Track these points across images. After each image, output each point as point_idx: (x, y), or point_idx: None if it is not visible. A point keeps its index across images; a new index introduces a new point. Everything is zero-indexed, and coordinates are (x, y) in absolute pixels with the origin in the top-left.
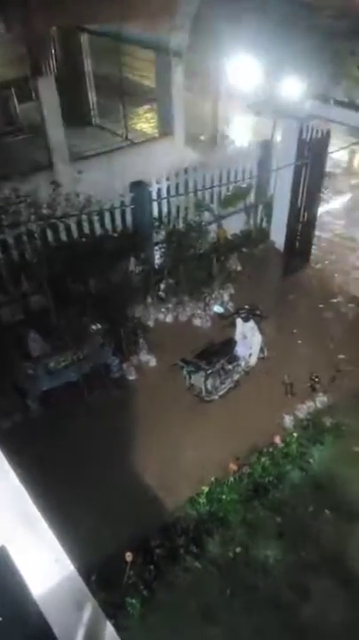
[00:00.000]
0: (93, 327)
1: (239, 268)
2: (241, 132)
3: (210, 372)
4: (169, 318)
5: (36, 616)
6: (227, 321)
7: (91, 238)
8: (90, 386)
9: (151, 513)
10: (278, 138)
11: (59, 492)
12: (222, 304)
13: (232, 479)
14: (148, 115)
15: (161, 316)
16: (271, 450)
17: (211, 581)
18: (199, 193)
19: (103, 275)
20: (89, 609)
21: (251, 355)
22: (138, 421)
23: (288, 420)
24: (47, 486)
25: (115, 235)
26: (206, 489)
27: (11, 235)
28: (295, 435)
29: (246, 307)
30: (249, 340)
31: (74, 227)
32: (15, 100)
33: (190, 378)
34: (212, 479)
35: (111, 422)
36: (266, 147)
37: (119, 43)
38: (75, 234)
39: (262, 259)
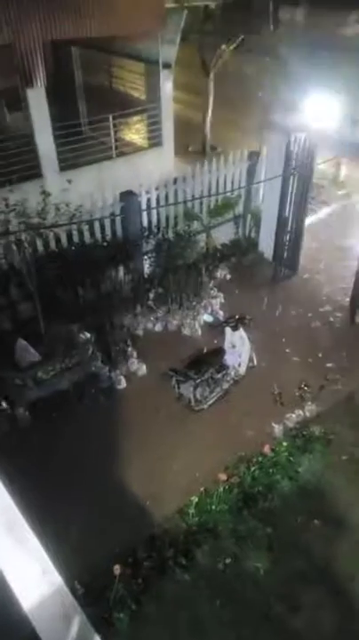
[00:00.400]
0: (82, 336)
1: (228, 277)
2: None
3: (198, 381)
4: (158, 327)
5: (27, 629)
6: (216, 330)
7: (81, 247)
8: (79, 395)
9: (140, 524)
10: (265, 149)
11: (47, 502)
12: (211, 313)
13: (221, 489)
14: (138, 126)
15: (150, 325)
16: (260, 459)
17: (201, 593)
18: (188, 203)
19: (92, 284)
20: (77, 622)
21: (240, 364)
22: (127, 431)
23: (277, 430)
24: (35, 497)
25: (105, 244)
26: (195, 499)
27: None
28: (284, 444)
29: (235, 316)
30: (238, 349)
31: (63, 236)
32: (5, 109)
33: (179, 387)
34: (202, 489)
35: (100, 432)
36: (254, 158)
37: (110, 55)
38: (64, 243)
39: (251, 268)
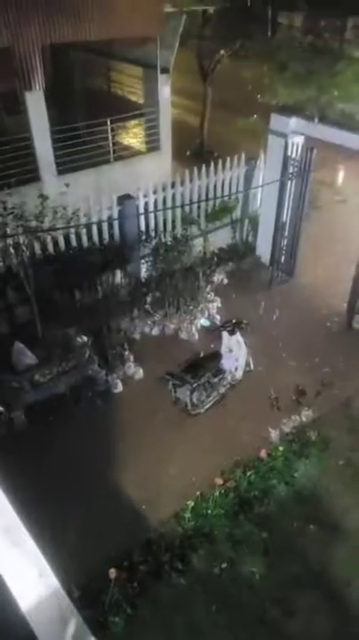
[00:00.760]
0: (79, 340)
1: (225, 281)
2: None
3: (195, 385)
4: (155, 331)
5: (24, 631)
6: (213, 334)
7: (79, 251)
8: (75, 399)
9: (135, 528)
10: (263, 154)
11: (44, 505)
12: (208, 317)
13: (217, 493)
14: (136, 130)
15: (147, 329)
16: (257, 464)
17: (197, 598)
18: (186, 207)
19: (90, 287)
20: (74, 625)
21: (236, 368)
22: (123, 435)
23: (273, 434)
24: (31, 500)
25: (102, 247)
26: (191, 503)
27: None
28: (281, 448)
29: (232, 320)
30: (235, 353)
31: (61, 239)
32: (3, 112)
33: (176, 391)
34: (198, 493)
35: (96, 435)
36: (251, 162)
37: (109, 59)
38: (62, 246)
39: (248, 272)
